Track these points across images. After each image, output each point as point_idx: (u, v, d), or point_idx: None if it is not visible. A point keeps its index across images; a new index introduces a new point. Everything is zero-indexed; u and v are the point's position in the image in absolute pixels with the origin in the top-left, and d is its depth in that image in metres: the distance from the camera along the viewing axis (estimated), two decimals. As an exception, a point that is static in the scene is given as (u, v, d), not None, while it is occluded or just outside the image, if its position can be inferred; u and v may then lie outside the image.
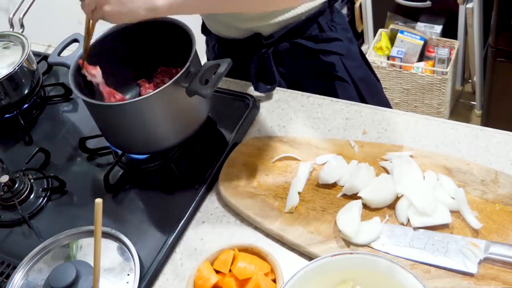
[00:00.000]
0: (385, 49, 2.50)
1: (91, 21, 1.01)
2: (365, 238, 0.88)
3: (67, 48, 1.12)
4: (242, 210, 0.97)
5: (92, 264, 0.86)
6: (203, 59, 1.04)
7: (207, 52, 1.36)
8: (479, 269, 0.82)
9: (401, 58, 2.44)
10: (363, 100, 1.24)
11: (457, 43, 2.41)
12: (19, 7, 1.41)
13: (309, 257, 0.89)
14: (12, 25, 1.41)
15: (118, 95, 1.08)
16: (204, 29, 1.30)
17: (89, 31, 1.03)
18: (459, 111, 2.55)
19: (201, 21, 1.31)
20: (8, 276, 0.95)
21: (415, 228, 0.89)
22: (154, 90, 0.99)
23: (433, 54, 2.43)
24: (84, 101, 0.99)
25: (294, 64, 1.21)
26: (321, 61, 1.20)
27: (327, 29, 1.20)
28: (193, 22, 1.10)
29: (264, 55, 1.19)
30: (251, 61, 1.20)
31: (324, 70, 1.21)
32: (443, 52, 2.38)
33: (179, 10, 0.96)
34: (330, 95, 1.18)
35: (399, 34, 2.48)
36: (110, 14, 0.94)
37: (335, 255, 0.76)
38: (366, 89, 1.25)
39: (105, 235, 0.94)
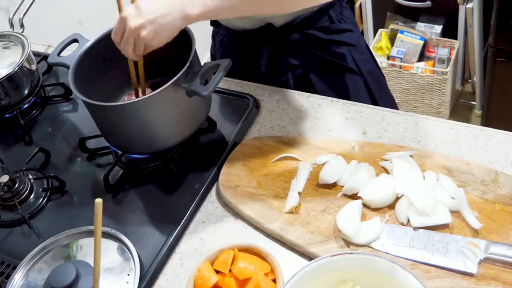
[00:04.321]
0: (385, 49, 2.51)
1: (139, 63, 1.03)
2: (365, 238, 0.88)
3: (67, 48, 1.12)
4: (242, 210, 0.97)
5: (92, 264, 0.86)
6: (204, 58, 1.04)
7: (213, 46, 1.36)
8: (479, 269, 0.82)
9: (401, 58, 2.44)
10: (370, 93, 1.24)
11: (457, 43, 2.41)
12: (19, 7, 1.41)
13: (309, 257, 0.89)
14: (12, 25, 1.41)
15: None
16: (213, 21, 1.30)
17: (140, 75, 1.05)
18: (459, 111, 2.55)
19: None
20: (8, 276, 0.95)
21: (415, 228, 0.89)
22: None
23: (433, 54, 2.43)
24: (84, 101, 0.99)
25: (305, 55, 1.22)
26: (331, 53, 1.21)
27: (337, 21, 1.21)
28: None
29: (276, 46, 1.20)
30: (262, 52, 1.21)
31: (334, 61, 1.22)
32: (443, 52, 2.38)
33: (209, 16, 0.96)
34: (339, 87, 1.19)
35: (399, 34, 2.48)
36: (149, 37, 0.92)
37: (335, 255, 0.76)
38: (374, 83, 1.26)
39: (105, 235, 0.94)
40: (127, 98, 1.14)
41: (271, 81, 1.22)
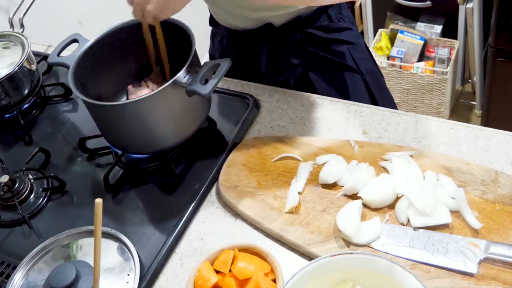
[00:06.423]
0: (385, 49, 2.51)
1: (160, 46, 1.06)
2: (365, 238, 0.88)
3: (67, 48, 1.12)
4: (242, 210, 0.97)
5: (92, 264, 0.86)
6: (203, 59, 1.04)
7: (212, 47, 1.36)
8: (479, 269, 0.82)
9: (401, 58, 2.44)
10: (370, 92, 1.24)
11: (457, 43, 2.41)
12: (19, 7, 1.41)
13: (309, 257, 0.89)
14: (12, 25, 1.41)
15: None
16: (212, 21, 1.30)
17: (163, 59, 1.08)
18: (459, 111, 2.55)
19: (202, 20, 1.31)
20: (8, 276, 0.95)
21: (415, 228, 0.89)
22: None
23: (433, 54, 2.43)
24: (84, 101, 0.99)
25: (304, 54, 1.22)
26: (331, 51, 1.22)
27: (336, 20, 1.21)
28: (193, 22, 1.10)
29: (275, 45, 1.20)
30: (262, 52, 1.21)
31: (334, 60, 1.22)
32: (443, 52, 2.38)
33: None
34: (339, 85, 1.19)
35: (399, 34, 2.48)
36: (155, 11, 0.95)
37: (335, 255, 0.76)
38: (373, 81, 1.26)
39: (105, 235, 0.94)
40: (130, 88, 1.15)
41: (271, 81, 1.22)
